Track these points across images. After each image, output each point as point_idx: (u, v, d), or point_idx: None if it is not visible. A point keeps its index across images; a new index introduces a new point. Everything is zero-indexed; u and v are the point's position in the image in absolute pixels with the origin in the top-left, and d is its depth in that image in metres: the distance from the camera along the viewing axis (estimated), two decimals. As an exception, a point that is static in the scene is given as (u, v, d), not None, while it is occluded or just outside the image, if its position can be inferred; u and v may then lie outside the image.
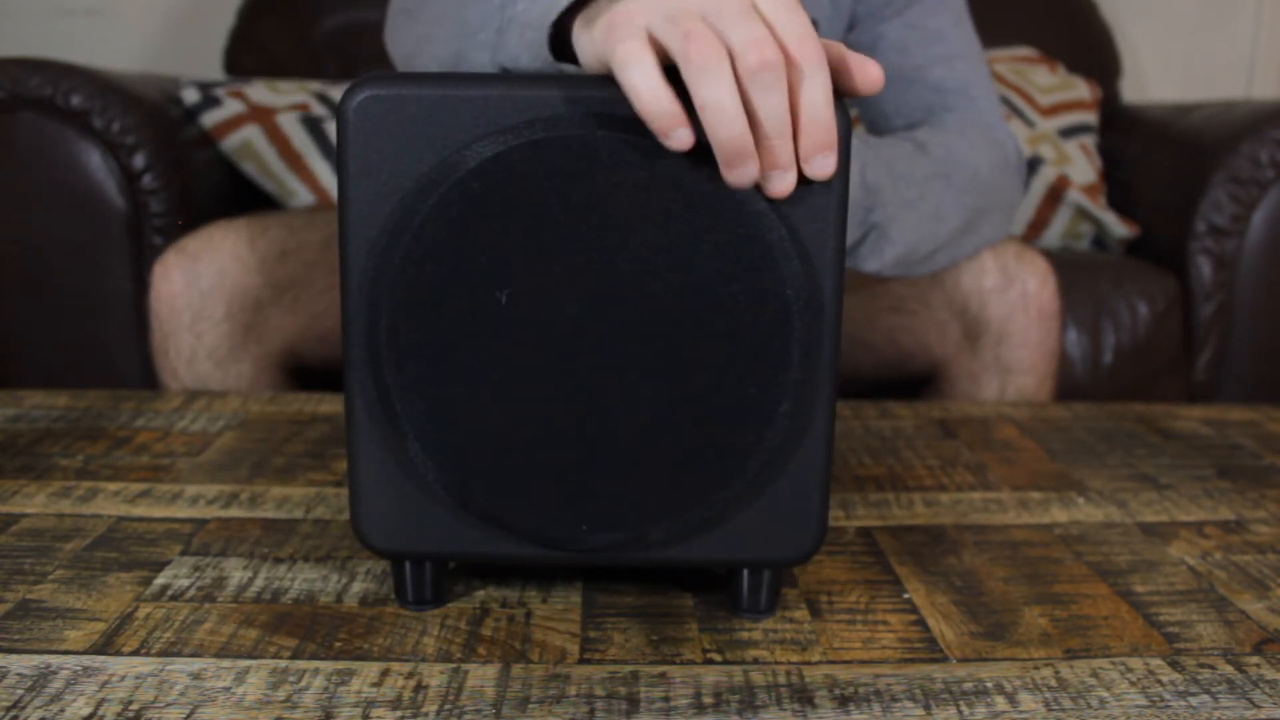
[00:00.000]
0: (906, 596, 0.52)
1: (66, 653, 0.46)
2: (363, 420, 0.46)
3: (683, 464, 0.46)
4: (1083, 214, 1.44)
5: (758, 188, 0.43)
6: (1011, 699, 0.44)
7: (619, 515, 0.46)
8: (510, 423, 0.45)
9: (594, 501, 0.46)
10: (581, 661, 0.46)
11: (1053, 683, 0.45)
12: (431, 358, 0.45)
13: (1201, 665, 0.47)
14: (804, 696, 0.43)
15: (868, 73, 0.43)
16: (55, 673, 0.44)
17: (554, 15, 0.51)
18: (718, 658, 0.46)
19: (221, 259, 0.90)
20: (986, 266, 0.92)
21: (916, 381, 1.01)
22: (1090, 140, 1.53)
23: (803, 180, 0.43)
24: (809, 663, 0.46)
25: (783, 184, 0.42)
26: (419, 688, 0.44)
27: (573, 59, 0.51)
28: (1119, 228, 1.43)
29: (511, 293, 0.44)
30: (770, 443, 0.46)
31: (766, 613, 0.50)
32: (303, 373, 0.97)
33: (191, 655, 0.46)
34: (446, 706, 0.42)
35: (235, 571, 0.54)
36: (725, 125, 0.40)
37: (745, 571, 0.49)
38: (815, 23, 0.95)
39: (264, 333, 0.92)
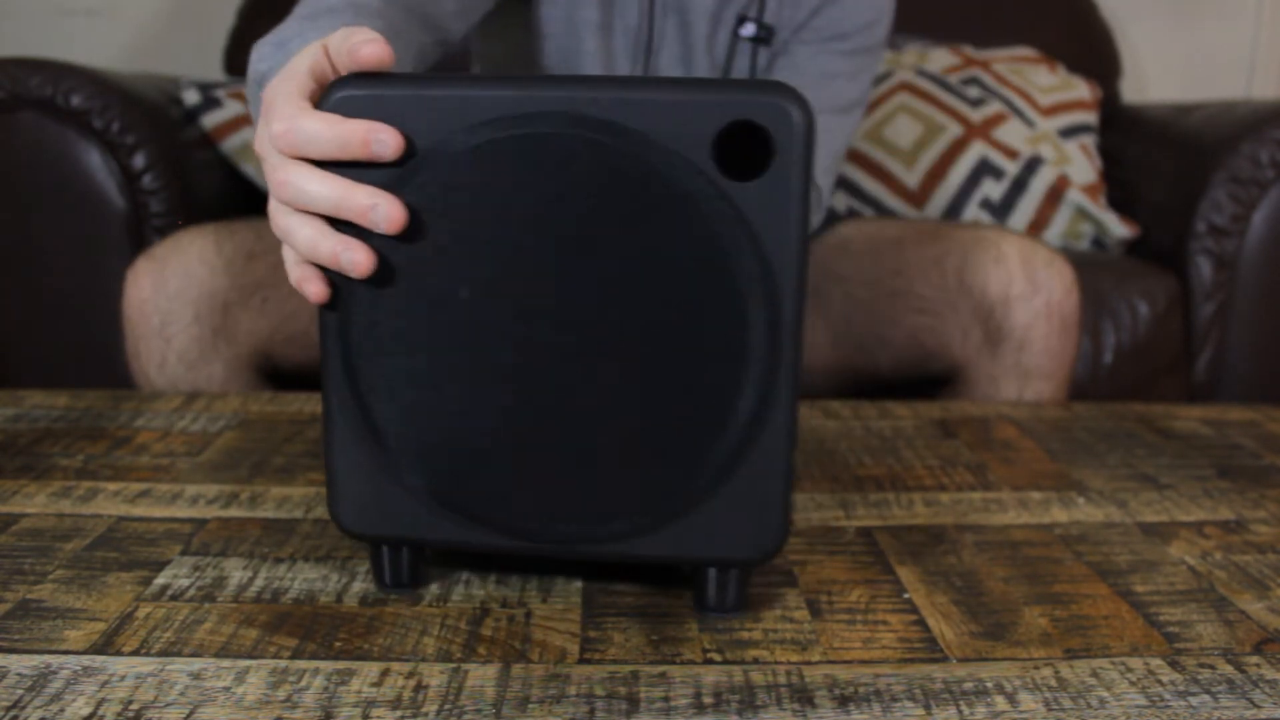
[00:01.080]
0: (906, 596, 0.52)
1: (66, 653, 0.46)
2: (337, 412, 0.48)
3: (642, 458, 0.46)
4: (1083, 214, 1.44)
5: (716, 186, 0.43)
6: (1011, 699, 0.44)
7: (580, 507, 0.47)
8: (474, 414, 0.47)
9: (555, 493, 0.47)
10: (581, 661, 0.46)
11: (1053, 683, 0.45)
12: (400, 351, 0.46)
13: (1201, 665, 0.47)
14: (804, 696, 0.43)
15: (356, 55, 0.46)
16: (55, 673, 0.44)
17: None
18: (718, 658, 0.46)
19: (187, 263, 0.90)
20: (1014, 274, 0.93)
21: (936, 381, 1.01)
22: (1090, 140, 1.53)
23: (762, 181, 0.43)
24: (809, 663, 0.46)
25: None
26: (419, 688, 0.44)
27: None
28: (1119, 228, 1.43)
29: (474, 288, 0.45)
30: (729, 439, 0.46)
31: (734, 611, 0.50)
32: (276, 375, 0.97)
33: (191, 655, 0.46)
34: (446, 706, 0.42)
35: (235, 571, 0.54)
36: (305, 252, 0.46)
37: (711, 569, 0.49)
38: (770, 28, 1.03)
39: (233, 335, 0.92)
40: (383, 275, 0.46)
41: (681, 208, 0.44)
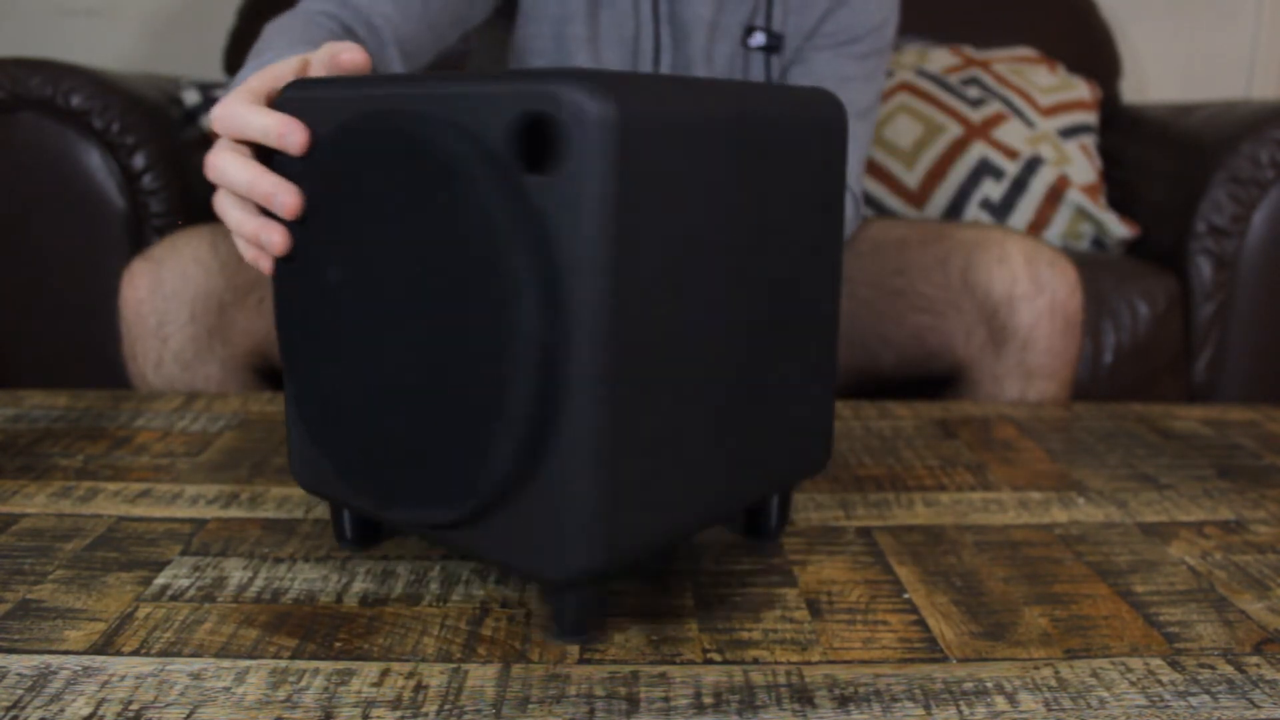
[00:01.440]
0: (906, 596, 0.52)
1: (66, 653, 0.46)
2: (285, 379, 0.53)
3: (447, 447, 0.45)
4: (1083, 214, 1.44)
5: (503, 176, 0.42)
6: (1011, 699, 0.44)
7: (416, 492, 0.47)
8: (341, 391, 0.50)
9: (398, 475, 0.48)
10: (581, 661, 0.46)
11: (1053, 683, 0.45)
12: (300, 328, 0.51)
13: (1201, 665, 0.47)
14: (804, 696, 0.43)
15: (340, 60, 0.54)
16: (55, 673, 0.44)
17: None
18: (718, 658, 0.46)
19: (183, 263, 0.90)
20: (1018, 274, 0.93)
21: (939, 381, 1.01)
22: (1090, 140, 1.53)
23: (560, 173, 0.42)
24: (809, 663, 0.46)
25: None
26: (419, 688, 0.44)
27: None
28: (1119, 228, 1.43)
29: (337, 273, 0.48)
30: (511, 433, 0.43)
31: (571, 637, 0.47)
32: (273, 374, 0.97)
33: (191, 655, 0.46)
34: (446, 706, 0.42)
35: (235, 571, 0.54)
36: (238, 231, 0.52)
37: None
38: (780, 36, 1.04)
39: (230, 335, 0.92)
40: (292, 257, 0.51)
41: (463, 197, 0.43)
